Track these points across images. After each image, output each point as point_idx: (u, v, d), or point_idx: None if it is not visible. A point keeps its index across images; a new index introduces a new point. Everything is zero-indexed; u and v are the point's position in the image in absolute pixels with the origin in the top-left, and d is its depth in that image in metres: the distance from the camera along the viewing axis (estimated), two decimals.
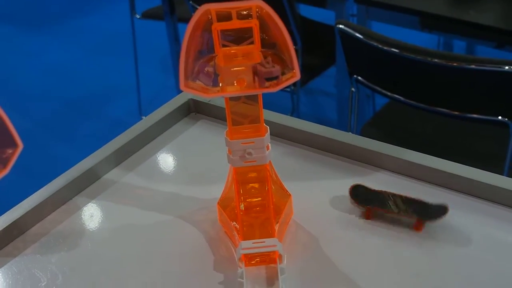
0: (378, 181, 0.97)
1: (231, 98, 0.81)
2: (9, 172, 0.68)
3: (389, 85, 1.79)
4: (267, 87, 0.74)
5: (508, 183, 0.91)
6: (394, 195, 0.89)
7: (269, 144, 0.85)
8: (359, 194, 0.91)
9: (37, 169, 2.10)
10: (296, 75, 0.73)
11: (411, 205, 0.88)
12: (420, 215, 0.87)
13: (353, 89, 1.91)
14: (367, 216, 0.90)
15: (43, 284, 0.85)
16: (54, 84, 3.19)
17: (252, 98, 0.81)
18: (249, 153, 0.83)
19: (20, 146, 0.62)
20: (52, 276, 0.86)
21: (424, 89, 1.73)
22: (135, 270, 0.86)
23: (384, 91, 1.81)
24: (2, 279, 0.86)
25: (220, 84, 0.77)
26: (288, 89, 2.23)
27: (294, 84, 2.21)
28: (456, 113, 1.69)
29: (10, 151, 0.62)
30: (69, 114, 2.96)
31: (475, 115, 1.67)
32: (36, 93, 3.12)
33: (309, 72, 2.25)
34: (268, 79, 0.73)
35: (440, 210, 0.87)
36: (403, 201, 0.88)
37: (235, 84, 0.76)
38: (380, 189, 0.90)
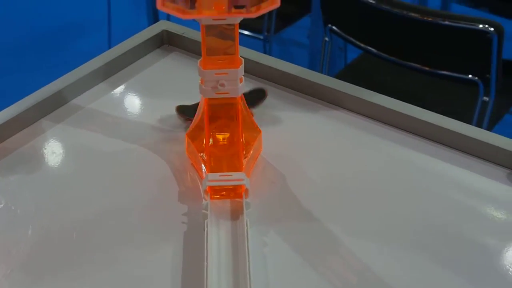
0: (348, 122, 0.97)
1: (207, 26, 0.79)
2: None
3: (363, 36, 1.78)
4: (244, 13, 0.73)
5: (470, 130, 0.92)
6: None
7: (243, 77, 0.83)
8: (185, 111, 0.96)
9: (3, 96, 2.07)
10: (276, 2, 0.72)
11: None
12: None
13: (326, 38, 1.90)
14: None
15: (1, 206, 0.83)
16: (23, 14, 3.12)
17: (229, 28, 0.80)
18: (222, 85, 0.82)
19: None
20: (11, 197, 0.84)
21: (398, 42, 1.73)
22: (98, 196, 0.85)
23: (357, 42, 1.80)
24: None
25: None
26: (261, 37, 2.21)
27: (268, 30, 2.19)
28: (427, 68, 1.70)
29: None
30: (38, 44, 2.90)
31: (445, 72, 1.67)
32: (4, 22, 3.04)
33: (283, 19, 2.23)
34: (236, 7, 0.72)
35: (258, 95, 0.93)
36: None
37: (213, 8, 0.74)
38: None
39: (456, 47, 1.63)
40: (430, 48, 1.66)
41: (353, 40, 1.80)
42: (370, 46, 1.77)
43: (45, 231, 0.79)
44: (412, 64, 1.72)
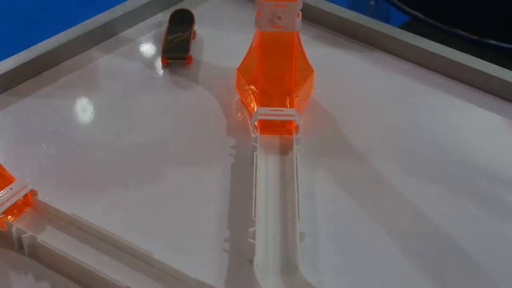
0: (401, 70, 0.96)
1: None
2: None
3: (411, 1, 1.75)
4: None
5: None
6: (189, 33, 0.96)
7: (300, 12, 0.81)
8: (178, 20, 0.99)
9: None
10: None
11: (180, 43, 0.94)
12: (165, 52, 0.93)
13: (372, 2, 1.87)
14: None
15: (51, 128, 0.83)
16: None
17: None
18: (279, 17, 0.80)
19: None
20: (61, 120, 0.84)
21: (447, 8, 1.69)
22: (145, 124, 0.85)
23: (404, 7, 1.76)
24: (12, 116, 0.84)
25: None
26: None
27: None
28: (475, 37, 1.66)
29: None
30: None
31: (495, 42, 1.63)
32: None
33: None
34: None
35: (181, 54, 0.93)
36: (181, 39, 0.95)
37: None
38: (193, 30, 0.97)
39: (509, 15, 1.59)
40: (480, 14, 1.63)
41: (401, 4, 1.77)
42: (418, 11, 1.73)
43: (95, 152, 0.80)
44: (460, 31, 1.68)
